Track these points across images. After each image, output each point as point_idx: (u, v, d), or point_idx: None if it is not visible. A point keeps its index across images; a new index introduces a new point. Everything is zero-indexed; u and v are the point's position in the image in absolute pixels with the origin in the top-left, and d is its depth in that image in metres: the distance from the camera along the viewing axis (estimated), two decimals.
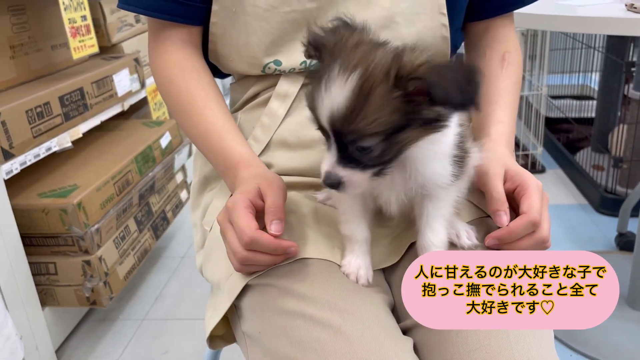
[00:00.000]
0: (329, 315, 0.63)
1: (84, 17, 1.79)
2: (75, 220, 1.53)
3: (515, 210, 0.71)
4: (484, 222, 0.76)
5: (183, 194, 2.24)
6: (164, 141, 2.06)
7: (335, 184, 0.59)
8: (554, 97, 3.26)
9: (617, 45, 2.49)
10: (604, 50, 2.62)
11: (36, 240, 1.57)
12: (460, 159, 0.66)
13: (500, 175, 0.72)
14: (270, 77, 0.86)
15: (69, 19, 1.71)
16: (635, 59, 2.37)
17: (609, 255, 2.03)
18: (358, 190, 0.61)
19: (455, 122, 0.63)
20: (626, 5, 1.17)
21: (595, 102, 2.98)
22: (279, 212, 0.67)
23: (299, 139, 0.83)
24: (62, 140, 1.66)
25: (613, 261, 1.95)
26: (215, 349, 0.91)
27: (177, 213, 2.17)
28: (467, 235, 0.72)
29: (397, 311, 0.73)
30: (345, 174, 0.59)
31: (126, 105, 2.04)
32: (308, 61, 0.81)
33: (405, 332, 0.69)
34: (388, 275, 0.78)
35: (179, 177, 2.20)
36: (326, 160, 0.59)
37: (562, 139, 2.96)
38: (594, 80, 3.31)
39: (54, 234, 1.55)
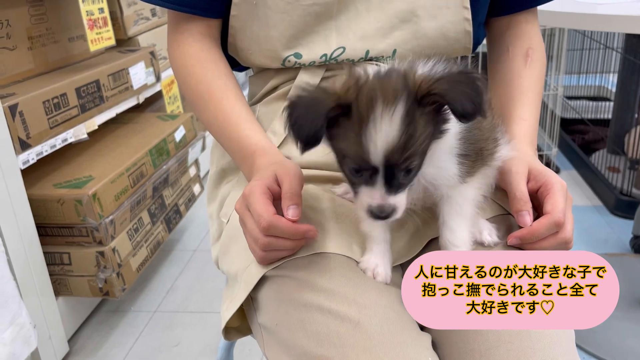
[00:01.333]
0: (347, 309, 0.63)
1: (101, 10, 1.80)
2: (89, 211, 1.54)
3: (538, 209, 0.71)
4: (505, 219, 0.76)
5: (196, 188, 2.24)
6: (178, 135, 2.06)
7: (386, 214, 0.60)
8: (570, 98, 3.23)
9: (635, 46, 2.46)
10: (622, 50, 2.59)
11: (51, 231, 1.58)
12: (469, 158, 0.65)
13: (523, 175, 0.71)
14: (289, 70, 0.86)
15: (86, 11, 1.72)
16: None
17: (624, 258, 2.01)
18: (401, 214, 0.61)
19: (453, 123, 0.63)
20: None
21: (611, 103, 2.95)
22: (295, 197, 0.67)
23: None
24: (78, 132, 1.67)
25: (628, 264, 1.94)
26: (231, 341, 0.91)
27: (190, 207, 2.18)
28: (488, 232, 0.71)
29: None
30: (396, 200, 0.60)
31: (141, 98, 2.04)
32: (328, 54, 0.81)
33: (422, 327, 0.68)
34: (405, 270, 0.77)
35: (192, 171, 2.21)
36: (372, 194, 0.59)
37: (577, 140, 2.94)
38: (610, 81, 3.28)
39: (68, 224, 1.56)
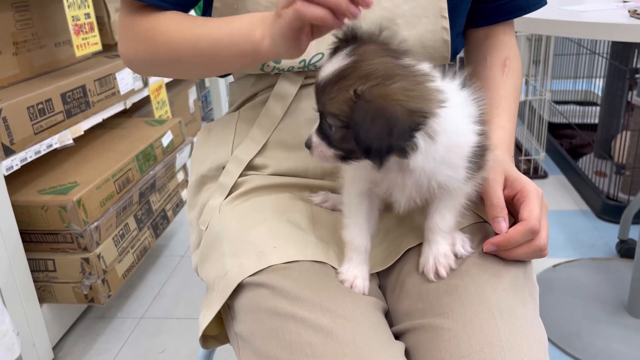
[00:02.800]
0: (321, 318, 0.63)
1: (87, 15, 1.79)
2: (74, 218, 1.53)
3: (514, 216, 0.71)
4: (481, 227, 0.76)
5: (184, 193, 2.24)
6: (166, 140, 2.06)
7: (308, 144, 0.66)
8: (557, 103, 3.25)
9: (621, 52, 2.49)
10: (608, 56, 2.61)
11: (35, 237, 1.57)
12: (475, 164, 0.65)
13: (500, 182, 0.72)
14: (269, 77, 0.86)
15: (72, 17, 1.72)
16: (638, 65, 2.36)
17: (610, 262, 2.02)
18: (325, 163, 0.66)
19: (472, 131, 0.64)
20: (629, 11, 1.16)
21: (598, 108, 2.97)
22: None
23: (297, 139, 0.83)
24: (64, 138, 1.66)
25: (614, 268, 1.95)
26: (208, 349, 0.91)
27: (178, 212, 2.18)
28: (461, 243, 0.72)
29: (389, 316, 0.73)
30: (316, 140, 0.65)
31: (128, 103, 2.04)
32: (307, 59, 0.81)
33: (397, 336, 0.68)
34: (382, 279, 0.78)
35: (180, 176, 2.20)
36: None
37: (564, 145, 2.96)
38: (597, 86, 3.30)
39: (53, 230, 1.55)
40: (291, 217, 0.77)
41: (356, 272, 0.70)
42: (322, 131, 0.64)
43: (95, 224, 1.60)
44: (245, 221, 0.78)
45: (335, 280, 0.69)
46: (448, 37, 0.82)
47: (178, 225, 2.39)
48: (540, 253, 0.69)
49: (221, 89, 3.10)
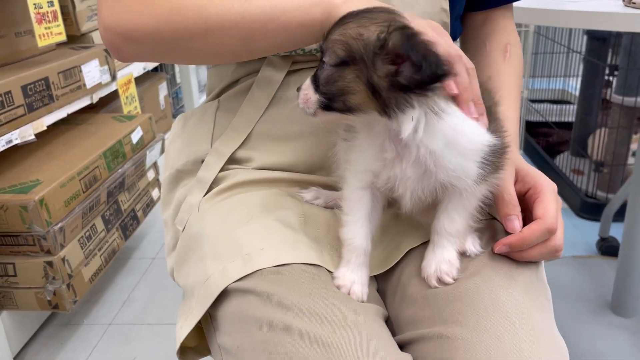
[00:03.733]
0: (319, 328, 0.56)
1: (50, 3, 1.68)
2: (36, 218, 1.43)
3: (525, 213, 0.65)
4: (489, 225, 0.70)
5: (155, 193, 2.14)
6: (135, 136, 1.96)
7: (299, 87, 0.61)
8: (533, 101, 3.24)
9: (597, 49, 2.48)
10: (584, 54, 2.60)
11: None
12: (493, 164, 0.60)
13: (511, 176, 0.66)
14: (252, 61, 0.78)
15: (34, 4, 1.61)
16: (617, 62, 2.36)
17: (591, 260, 2.00)
18: (307, 111, 0.61)
19: (484, 132, 0.59)
20: (624, 0, 1.12)
21: (573, 106, 2.97)
22: None
23: (284, 130, 0.76)
24: (25, 133, 1.55)
25: (595, 266, 1.92)
26: None
27: (148, 212, 2.07)
28: (472, 241, 0.65)
29: (391, 323, 0.66)
30: (306, 83, 0.60)
31: (95, 97, 1.93)
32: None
33: (402, 347, 0.62)
34: (380, 283, 0.71)
35: (150, 174, 2.10)
36: None
37: (541, 143, 2.94)
38: (572, 85, 3.31)
39: (13, 232, 1.44)
40: (280, 215, 0.69)
41: (354, 277, 0.63)
42: (314, 75, 0.60)
43: (59, 225, 1.49)
44: (228, 220, 0.70)
45: (331, 286, 0.62)
46: (448, 19, 0.76)
47: (149, 226, 2.28)
48: (555, 254, 0.64)
49: (193, 85, 3.00)
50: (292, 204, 0.72)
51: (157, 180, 2.17)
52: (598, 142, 2.35)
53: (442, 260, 0.63)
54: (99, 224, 1.72)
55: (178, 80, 3.08)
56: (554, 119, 3.08)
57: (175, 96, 3.10)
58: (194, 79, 3.03)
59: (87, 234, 1.64)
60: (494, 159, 0.60)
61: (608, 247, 2.01)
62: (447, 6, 0.76)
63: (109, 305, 1.84)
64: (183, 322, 0.69)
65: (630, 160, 2.30)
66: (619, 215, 2.04)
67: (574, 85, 3.25)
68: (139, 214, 2.00)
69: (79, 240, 1.59)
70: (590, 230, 2.21)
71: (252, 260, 0.63)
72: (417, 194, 0.61)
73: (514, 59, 0.82)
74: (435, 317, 0.60)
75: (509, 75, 0.80)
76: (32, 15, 1.60)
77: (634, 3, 1.08)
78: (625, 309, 1.69)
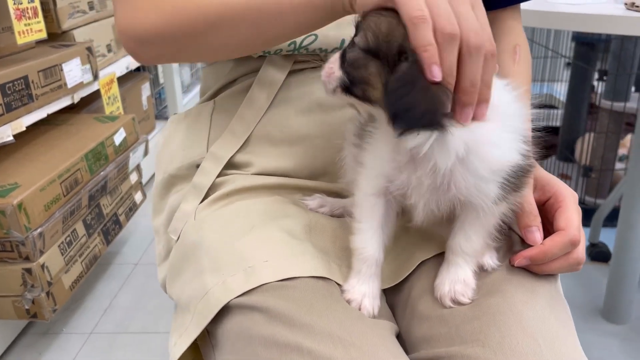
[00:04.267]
0: (331, 349, 0.51)
1: None
2: (14, 224, 1.36)
3: (544, 223, 0.62)
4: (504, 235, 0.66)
5: (138, 196, 2.07)
6: (118, 138, 1.89)
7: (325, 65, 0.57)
8: None
9: (584, 53, 2.48)
10: (571, 58, 2.61)
11: None
12: (514, 184, 0.56)
13: (530, 185, 0.62)
14: (250, 60, 0.74)
15: (13, 0, 1.54)
16: (605, 67, 2.36)
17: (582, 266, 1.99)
18: (327, 86, 0.57)
19: (514, 148, 0.55)
20: (626, 4, 1.10)
21: (559, 111, 2.97)
22: None
23: (285, 133, 0.72)
24: (3, 134, 1.48)
25: (585, 272, 1.90)
26: None
27: (131, 216, 2.01)
28: (489, 254, 0.62)
29: (401, 339, 0.62)
30: (335, 57, 0.56)
31: (76, 97, 1.86)
32: (298, 41, 0.70)
33: None
34: (389, 296, 0.67)
35: (133, 177, 2.03)
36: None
37: None
38: (557, 90, 3.32)
39: None
40: (284, 225, 0.65)
41: (364, 290, 0.59)
42: (344, 51, 0.55)
43: (39, 230, 1.42)
44: (228, 229, 0.65)
45: (342, 301, 0.58)
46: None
47: (130, 231, 2.22)
48: (576, 267, 0.60)
49: (176, 86, 2.94)
50: (296, 212, 0.68)
51: (140, 183, 2.10)
52: (586, 146, 2.35)
53: (456, 280, 0.59)
54: (80, 229, 1.65)
55: (161, 80, 3.01)
56: (540, 124, 3.08)
57: (158, 96, 3.03)
58: (177, 79, 2.96)
59: (68, 239, 1.58)
60: (517, 181, 0.56)
61: (598, 253, 2.00)
62: None
63: (90, 313, 1.77)
64: (177, 339, 0.64)
65: (618, 165, 2.30)
66: (609, 220, 2.04)
67: (559, 90, 3.26)
68: (122, 218, 1.94)
69: (59, 246, 1.52)
70: None
71: (256, 273, 0.59)
72: (431, 206, 0.57)
73: (524, 60, 0.79)
74: (453, 335, 0.56)
75: (519, 77, 0.77)
76: (12, 12, 1.53)
77: (637, 6, 1.06)
78: (617, 315, 1.67)
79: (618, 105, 2.13)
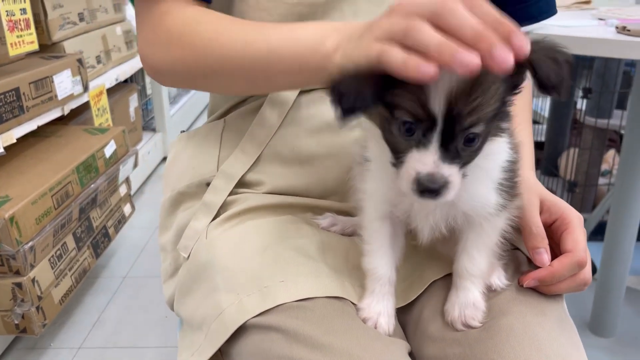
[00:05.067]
0: None
1: (23, 10, 1.61)
2: (5, 237, 1.34)
3: (550, 245, 0.63)
4: (513, 256, 0.68)
5: (127, 208, 2.06)
6: (109, 150, 1.88)
7: (439, 188, 0.48)
8: None
9: None
10: None
11: None
12: (509, 188, 0.57)
13: (536, 206, 0.64)
14: None
15: (6, 11, 1.53)
16: (588, 85, 2.42)
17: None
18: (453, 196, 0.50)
19: (506, 146, 0.56)
20: (617, 27, 1.14)
21: (542, 126, 3.03)
22: None
23: (296, 152, 0.73)
24: None
25: None
26: None
27: (120, 229, 1.99)
28: (497, 275, 0.63)
29: (412, 358, 0.63)
30: (451, 172, 0.48)
31: (66, 109, 1.85)
32: None
33: None
34: (401, 316, 0.68)
35: (122, 190, 2.02)
36: (422, 158, 0.48)
37: None
38: (540, 106, 3.39)
39: None
40: (297, 244, 0.66)
41: (379, 309, 0.60)
42: (451, 156, 0.48)
43: (30, 244, 1.41)
44: (241, 249, 0.66)
45: (358, 321, 0.59)
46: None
47: (119, 244, 2.19)
48: (583, 287, 0.62)
49: (164, 97, 2.93)
50: (308, 232, 0.69)
51: (129, 195, 2.09)
52: (570, 162, 2.40)
53: (466, 304, 0.61)
54: (70, 242, 1.64)
55: (149, 91, 3.00)
56: None
57: (145, 107, 3.02)
58: (165, 90, 2.95)
59: (58, 253, 1.56)
60: (510, 183, 0.58)
61: None
62: None
63: (78, 327, 1.75)
64: (189, 357, 0.64)
65: (601, 180, 2.35)
66: (594, 234, 2.08)
67: (542, 106, 3.33)
68: (111, 230, 1.92)
69: (49, 259, 1.51)
70: None
71: (272, 293, 0.59)
72: (436, 225, 0.58)
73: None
74: (468, 356, 0.57)
75: (521, 100, 0.79)
76: (4, 23, 1.52)
77: (628, 30, 1.09)
78: (605, 328, 1.70)
79: (602, 122, 2.18)
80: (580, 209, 2.33)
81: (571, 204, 2.17)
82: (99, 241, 1.82)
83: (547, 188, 2.31)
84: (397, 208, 0.59)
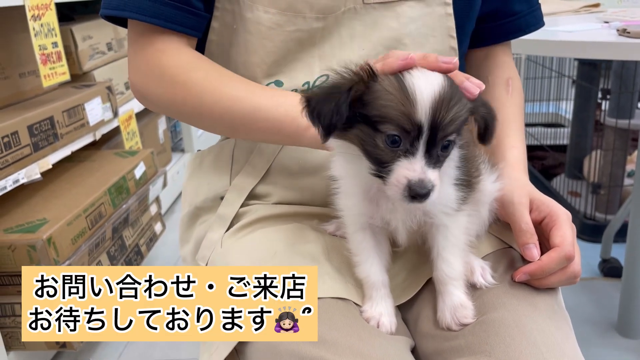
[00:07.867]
0: None
1: (55, 44, 1.71)
2: (44, 257, 1.43)
3: (541, 241, 0.67)
4: (505, 253, 0.72)
5: (157, 227, 2.14)
6: (138, 171, 1.97)
7: (427, 193, 0.53)
8: (526, 125, 3.30)
9: (587, 73, 2.54)
10: (575, 78, 2.66)
11: (1, 279, 1.45)
12: (465, 182, 0.62)
13: (526, 205, 0.68)
14: None
15: (39, 46, 1.64)
16: (608, 86, 2.41)
17: (594, 282, 2.01)
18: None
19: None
20: (618, 30, 1.17)
21: (566, 129, 3.02)
22: None
23: (301, 165, 0.78)
24: (31, 172, 1.56)
25: (598, 288, 1.92)
26: None
27: (152, 247, 2.08)
28: (481, 272, 0.67)
29: (416, 352, 0.67)
30: (435, 176, 0.54)
31: (98, 134, 1.95)
32: (311, 81, 0.77)
33: None
34: (404, 313, 0.72)
35: (153, 209, 2.11)
36: (411, 166, 0.53)
37: (537, 166, 2.98)
38: (563, 109, 3.38)
39: (20, 272, 1.44)
40: (304, 249, 0.71)
41: (381, 309, 0.65)
42: (432, 161, 0.54)
43: (67, 263, 1.49)
44: (253, 255, 0.72)
45: (361, 319, 0.63)
46: (456, 57, 0.79)
47: (151, 261, 2.28)
48: (573, 280, 0.65)
49: None
50: (314, 237, 0.74)
51: (160, 214, 2.17)
52: (594, 164, 2.39)
53: (454, 307, 0.64)
54: (105, 261, 1.72)
55: None
56: (548, 142, 3.13)
57: (174, 129, 3.13)
58: None
59: None
60: (465, 171, 0.62)
61: (610, 269, 2.03)
62: (455, 44, 0.79)
63: (116, 342, 1.82)
64: (208, 357, 0.70)
65: (627, 181, 2.34)
66: (620, 236, 2.06)
67: (566, 109, 3.31)
68: (143, 248, 2.00)
69: None
70: (591, 252, 2.23)
71: None
72: (410, 224, 0.63)
73: (516, 92, 0.86)
74: (463, 348, 0.61)
75: (513, 108, 0.83)
76: (38, 57, 1.63)
77: (628, 33, 1.12)
78: (632, 329, 1.69)
79: (623, 123, 2.17)
80: (606, 210, 2.32)
81: (596, 206, 2.16)
82: (132, 259, 1.90)
83: (572, 191, 2.28)
84: (373, 219, 0.64)
